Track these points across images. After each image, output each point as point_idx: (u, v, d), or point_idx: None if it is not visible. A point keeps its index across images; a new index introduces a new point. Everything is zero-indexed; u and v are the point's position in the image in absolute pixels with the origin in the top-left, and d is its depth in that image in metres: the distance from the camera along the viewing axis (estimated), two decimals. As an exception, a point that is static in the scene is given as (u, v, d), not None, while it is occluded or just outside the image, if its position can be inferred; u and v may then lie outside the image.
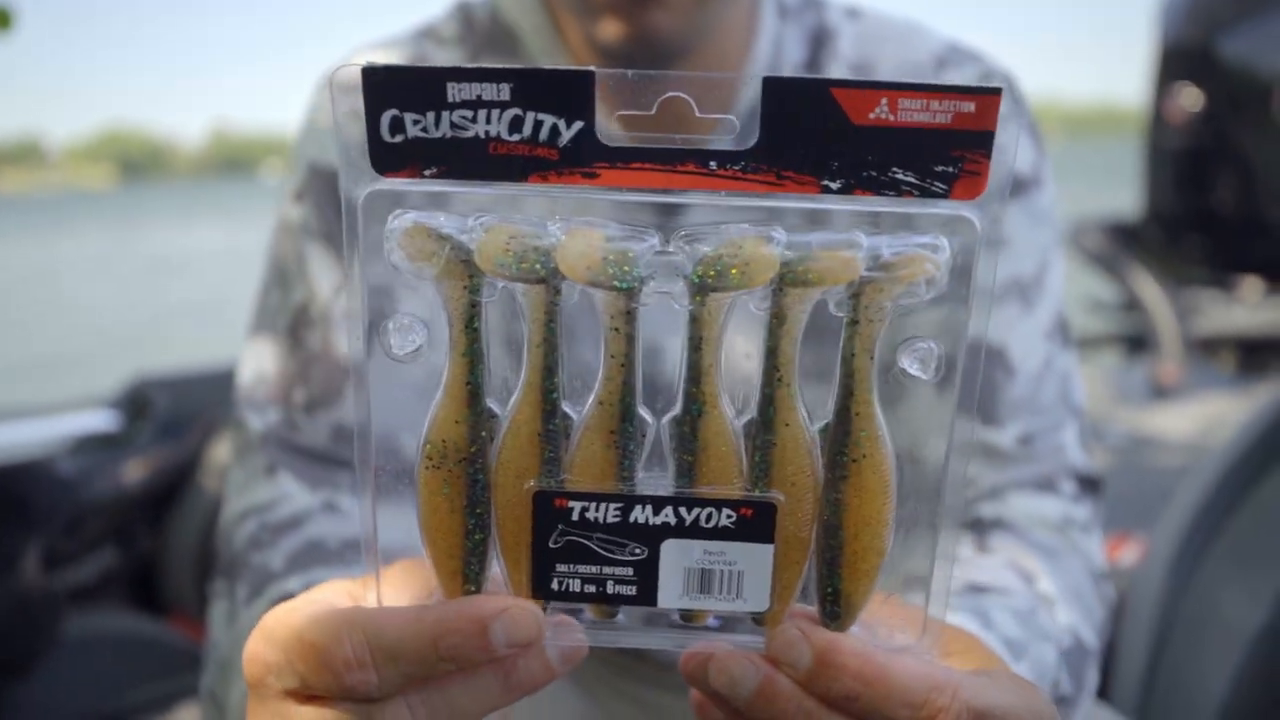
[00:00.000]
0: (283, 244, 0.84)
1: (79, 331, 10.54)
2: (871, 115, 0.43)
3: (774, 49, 0.84)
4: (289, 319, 0.82)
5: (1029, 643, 0.63)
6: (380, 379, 0.49)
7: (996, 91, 0.42)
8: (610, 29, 0.75)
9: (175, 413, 2.11)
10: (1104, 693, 1.20)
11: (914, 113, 0.43)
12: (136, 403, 2.16)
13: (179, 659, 1.69)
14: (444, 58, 0.86)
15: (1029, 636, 0.64)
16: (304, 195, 0.84)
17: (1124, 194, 4.00)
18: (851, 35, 0.86)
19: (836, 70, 0.84)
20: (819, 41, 0.85)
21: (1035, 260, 0.82)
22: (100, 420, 2.14)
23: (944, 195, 0.44)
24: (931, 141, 0.43)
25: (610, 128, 0.83)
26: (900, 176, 0.43)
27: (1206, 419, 2.61)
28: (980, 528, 0.76)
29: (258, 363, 0.83)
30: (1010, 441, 0.79)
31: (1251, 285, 3.55)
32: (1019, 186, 0.83)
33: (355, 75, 0.43)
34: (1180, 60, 3.57)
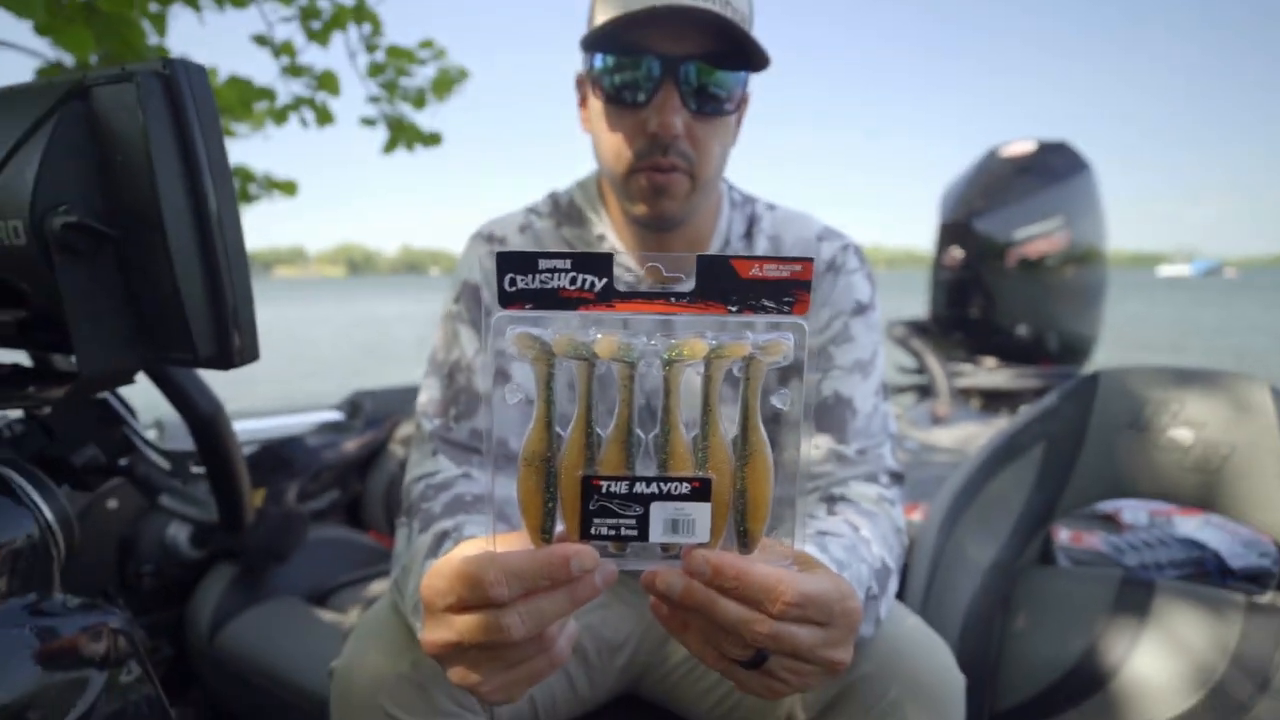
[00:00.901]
0: (446, 325, 0.84)
1: (315, 360, 10.47)
2: (751, 272, 0.45)
3: (728, 225, 0.85)
4: (448, 368, 0.81)
5: (851, 563, 0.63)
6: (501, 411, 0.47)
7: (810, 260, 0.45)
8: (640, 209, 0.78)
9: (376, 412, 2.10)
10: (901, 599, 1.20)
11: (772, 269, 0.45)
12: (354, 405, 2.15)
13: (374, 556, 1.67)
14: (542, 225, 0.86)
15: (850, 559, 0.63)
16: (459, 298, 0.83)
17: (920, 306, 4.02)
18: (769, 219, 0.86)
19: (761, 237, 0.85)
20: (751, 221, 0.86)
21: (870, 350, 0.82)
22: (333, 415, 2.14)
23: (789, 312, 0.45)
24: (781, 285, 0.45)
25: (637, 272, 0.83)
26: (767, 304, 0.45)
27: (964, 438, 2.60)
28: (832, 501, 0.76)
29: (429, 392, 0.82)
30: (852, 453, 0.78)
31: (989, 361, 3.58)
32: (861, 309, 0.83)
33: (489, 253, 0.44)
34: (951, 231, 3.60)
